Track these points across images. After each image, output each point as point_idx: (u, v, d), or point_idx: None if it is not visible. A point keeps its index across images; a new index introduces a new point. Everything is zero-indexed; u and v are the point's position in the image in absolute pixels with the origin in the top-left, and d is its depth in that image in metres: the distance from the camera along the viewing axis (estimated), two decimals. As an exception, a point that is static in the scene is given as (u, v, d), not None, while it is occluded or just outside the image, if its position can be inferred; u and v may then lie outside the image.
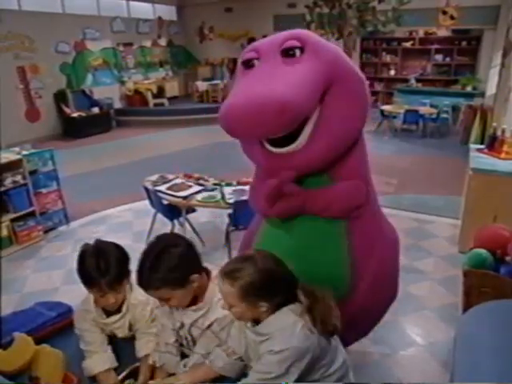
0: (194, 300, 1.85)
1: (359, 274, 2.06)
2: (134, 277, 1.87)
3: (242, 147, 2.01)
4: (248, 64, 1.81)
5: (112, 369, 1.99)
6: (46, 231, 4.76)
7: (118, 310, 2.04)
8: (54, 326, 2.24)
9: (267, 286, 1.57)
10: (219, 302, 1.76)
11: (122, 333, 2.09)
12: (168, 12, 13.94)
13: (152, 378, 1.95)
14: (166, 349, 1.95)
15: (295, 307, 1.61)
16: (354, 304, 2.06)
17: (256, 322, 1.66)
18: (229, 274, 1.59)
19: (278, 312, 1.60)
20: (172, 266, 1.71)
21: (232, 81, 11.75)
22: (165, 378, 1.93)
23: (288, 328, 1.55)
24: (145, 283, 1.74)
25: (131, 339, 2.08)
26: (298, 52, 1.73)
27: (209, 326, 1.83)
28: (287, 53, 1.73)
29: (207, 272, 1.91)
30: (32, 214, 4.55)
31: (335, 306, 1.64)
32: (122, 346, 2.11)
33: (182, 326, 1.92)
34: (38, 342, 1.94)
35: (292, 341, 1.52)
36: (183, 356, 2.00)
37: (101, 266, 1.84)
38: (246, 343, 1.74)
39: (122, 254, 1.95)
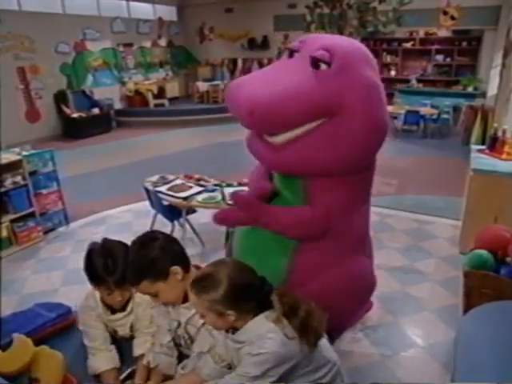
0: (187, 298, 1.85)
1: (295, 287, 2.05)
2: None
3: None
4: (291, 52, 1.93)
5: (116, 368, 2.01)
6: (46, 232, 4.75)
7: (124, 308, 2.05)
8: (54, 327, 2.24)
9: (233, 296, 1.57)
10: None
11: (123, 331, 2.10)
12: (168, 12, 13.94)
13: (148, 379, 1.97)
14: (161, 350, 1.97)
15: (270, 314, 1.61)
16: None
17: (235, 329, 1.66)
18: (196, 284, 1.61)
19: (254, 319, 1.61)
20: (150, 258, 1.75)
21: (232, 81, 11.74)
22: (160, 380, 1.94)
23: (264, 334, 1.56)
24: (128, 279, 1.79)
25: (130, 341, 2.08)
26: (323, 66, 1.75)
27: (203, 324, 1.84)
28: (315, 62, 1.76)
29: (198, 268, 1.93)
30: (32, 215, 4.55)
31: (317, 311, 1.64)
32: (124, 347, 2.11)
33: (179, 324, 1.93)
34: (37, 343, 1.94)
35: (269, 346, 1.53)
36: (181, 357, 2.01)
37: (108, 265, 1.87)
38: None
39: (128, 253, 1.97)
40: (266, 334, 1.56)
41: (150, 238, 1.83)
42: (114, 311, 2.07)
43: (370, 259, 2.43)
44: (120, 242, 1.99)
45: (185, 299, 1.86)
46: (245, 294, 1.59)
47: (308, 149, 1.82)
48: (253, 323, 1.61)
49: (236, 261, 1.70)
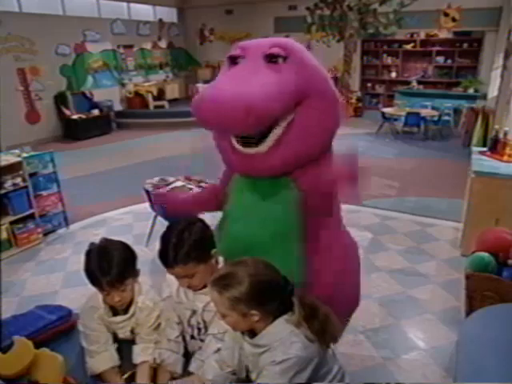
0: (205, 284, 1.86)
1: (312, 279, 2.03)
2: (143, 280, 1.89)
3: (215, 143, 2.09)
4: (233, 60, 1.89)
5: (116, 367, 2.01)
6: (46, 234, 4.75)
7: (126, 311, 2.05)
8: (54, 329, 2.23)
9: (257, 294, 1.54)
10: None
11: (123, 334, 2.10)
12: (168, 14, 13.96)
13: (154, 378, 1.97)
14: (168, 346, 1.97)
15: (290, 317, 1.58)
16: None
17: (252, 333, 1.63)
18: (217, 282, 1.57)
19: (274, 322, 1.58)
20: (196, 239, 1.80)
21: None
22: (167, 379, 1.94)
23: (286, 338, 1.53)
24: (171, 261, 1.79)
25: (133, 342, 2.08)
26: (280, 60, 1.80)
27: None
28: (270, 59, 1.80)
29: (216, 258, 1.96)
30: (31, 217, 4.55)
31: (333, 315, 1.62)
32: (124, 349, 2.11)
33: (194, 313, 1.94)
34: (37, 345, 1.93)
35: (292, 351, 1.51)
36: (187, 355, 2.01)
37: (103, 265, 1.87)
38: (240, 355, 1.72)
39: (127, 253, 1.98)
40: (288, 338, 1.53)
41: (189, 221, 1.88)
42: (115, 313, 2.06)
43: (343, 227, 2.42)
44: (119, 242, 2.00)
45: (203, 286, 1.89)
46: (269, 293, 1.57)
47: (296, 139, 1.83)
48: (273, 327, 1.58)
49: (257, 259, 1.65)
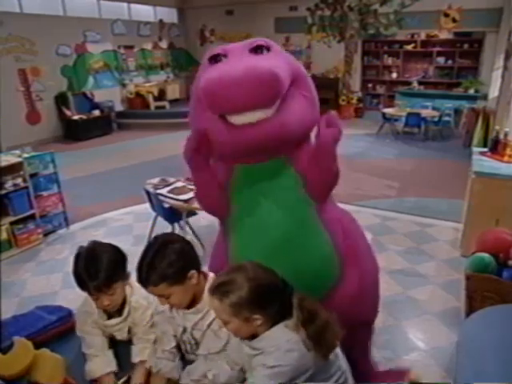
0: (193, 303, 1.86)
1: (342, 256, 2.06)
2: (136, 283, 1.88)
3: (195, 124, 1.99)
4: (215, 59, 1.87)
5: (113, 372, 1.99)
6: (46, 234, 4.76)
7: (120, 313, 2.04)
8: (54, 330, 2.24)
9: (258, 298, 1.53)
10: None
11: (120, 335, 2.10)
12: (169, 14, 13.97)
13: (148, 378, 1.97)
14: (164, 355, 1.96)
15: (290, 322, 1.56)
16: (346, 291, 2.07)
17: (252, 336, 1.62)
18: (217, 289, 1.56)
19: (273, 328, 1.57)
20: (170, 261, 1.73)
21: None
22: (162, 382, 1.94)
23: (283, 345, 1.52)
24: (144, 280, 1.76)
25: (130, 343, 2.08)
26: (264, 51, 1.86)
27: (209, 326, 1.84)
28: (255, 50, 1.85)
29: (204, 275, 1.92)
30: (32, 217, 4.56)
31: (335, 323, 1.59)
32: (122, 350, 2.11)
33: (185, 330, 1.92)
34: (37, 346, 1.93)
35: (287, 358, 1.50)
36: (185, 363, 2.00)
37: (90, 269, 1.85)
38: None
39: (117, 256, 1.96)
40: (284, 346, 1.51)
41: (168, 240, 1.83)
42: (110, 316, 2.05)
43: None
44: (109, 245, 1.98)
45: (191, 304, 1.86)
46: (269, 296, 1.55)
47: (292, 113, 1.83)
48: (272, 332, 1.57)
49: (255, 263, 1.64)
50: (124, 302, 2.03)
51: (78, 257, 1.91)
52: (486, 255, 2.87)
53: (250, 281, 1.53)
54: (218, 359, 1.82)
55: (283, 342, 1.52)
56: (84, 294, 1.96)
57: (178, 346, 2.00)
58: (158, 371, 1.94)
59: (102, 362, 1.99)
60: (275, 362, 1.50)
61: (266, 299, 1.55)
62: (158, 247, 1.77)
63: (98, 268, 1.86)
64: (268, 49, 1.87)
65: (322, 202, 2.02)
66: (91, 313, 2.03)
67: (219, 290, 1.55)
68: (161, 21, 13.59)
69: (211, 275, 1.93)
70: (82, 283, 1.88)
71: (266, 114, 1.75)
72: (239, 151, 1.85)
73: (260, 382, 1.52)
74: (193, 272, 1.79)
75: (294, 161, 1.95)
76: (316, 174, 1.91)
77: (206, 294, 1.83)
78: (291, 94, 1.84)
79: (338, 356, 1.69)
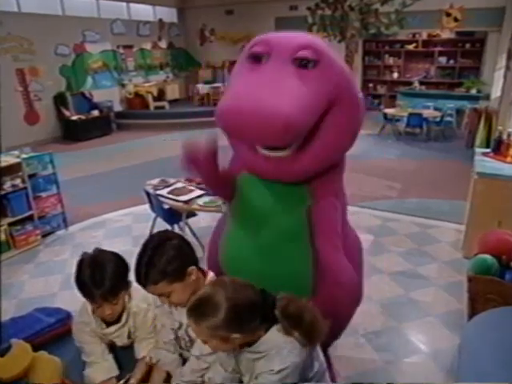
0: None
1: (322, 277, 2.04)
2: (133, 285, 1.88)
3: (231, 143, 2.04)
4: (256, 57, 1.77)
5: (113, 377, 2.00)
6: (44, 235, 4.76)
7: (118, 320, 2.03)
8: (53, 332, 2.24)
9: (235, 318, 1.50)
10: None
11: (120, 341, 2.10)
12: (169, 14, 13.97)
13: (149, 375, 1.99)
14: (164, 346, 1.99)
15: (280, 327, 1.57)
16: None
17: (249, 344, 1.62)
18: (193, 312, 1.54)
19: (269, 331, 1.57)
20: (169, 257, 1.74)
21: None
22: (162, 376, 1.96)
23: (283, 347, 1.53)
24: (143, 279, 1.76)
25: (130, 347, 2.08)
26: (310, 65, 1.71)
27: None
28: (300, 62, 1.70)
29: (203, 272, 1.94)
30: (30, 218, 4.55)
31: (320, 316, 1.60)
32: (122, 354, 2.11)
33: (181, 326, 1.94)
34: (36, 348, 1.93)
35: (289, 359, 1.51)
36: (184, 361, 2.01)
37: (96, 277, 1.83)
38: (235, 359, 1.71)
39: (120, 265, 1.95)
40: (285, 347, 1.53)
41: (165, 237, 1.83)
42: (108, 324, 2.04)
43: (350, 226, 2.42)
44: (112, 253, 1.97)
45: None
46: (247, 314, 1.53)
47: (322, 145, 1.79)
48: (271, 334, 1.57)
49: (233, 279, 1.62)
50: (122, 309, 2.03)
51: (81, 264, 1.89)
52: (488, 257, 2.87)
53: (227, 300, 1.49)
54: (211, 360, 1.82)
55: (281, 343, 1.54)
56: (82, 299, 1.95)
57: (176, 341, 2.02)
58: (158, 362, 1.96)
59: (102, 369, 2.00)
60: (281, 366, 1.51)
61: (243, 318, 1.52)
62: (155, 245, 1.77)
63: (103, 276, 1.84)
64: (316, 62, 1.71)
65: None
66: (88, 322, 2.03)
67: (195, 311, 1.53)
68: (160, 20, 13.59)
69: (211, 274, 1.94)
70: (86, 291, 1.86)
71: (280, 154, 1.74)
72: (259, 174, 1.93)
73: None
74: (192, 268, 1.81)
75: (311, 183, 1.94)
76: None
77: None
78: (322, 125, 1.76)
79: (317, 347, 1.72)
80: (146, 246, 1.79)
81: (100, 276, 1.84)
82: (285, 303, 1.59)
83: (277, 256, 2.00)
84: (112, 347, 2.12)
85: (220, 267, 2.18)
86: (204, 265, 2.10)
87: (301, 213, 1.94)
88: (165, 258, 1.73)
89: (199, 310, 1.52)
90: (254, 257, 1.80)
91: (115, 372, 2.02)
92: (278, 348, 1.53)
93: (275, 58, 1.72)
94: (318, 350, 1.74)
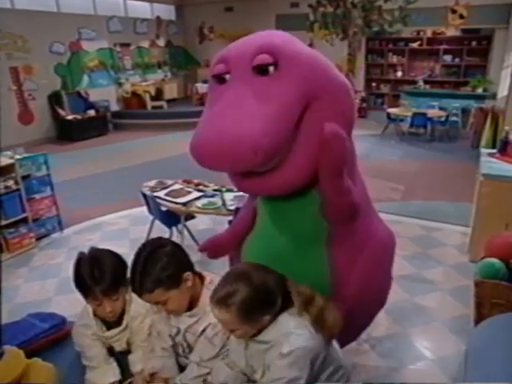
0: (190, 306, 1.89)
1: (341, 282, 2.04)
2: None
3: None
4: (220, 78, 1.76)
5: (117, 381, 2.02)
6: (39, 238, 4.75)
7: (119, 323, 2.04)
8: (47, 338, 2.23)
9: (265, 300, 1.60)
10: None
11: (119, 346, 2.10)
12: (167, 11, 13.98)
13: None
14: (162, 353, 2.00)
15: (293, 310, 1.64)
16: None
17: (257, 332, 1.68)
18: (222, 300, 1.59)
19: (278, 318, 1.63)
20: (163, 265, 1.75)
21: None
22: None
23: (291, 331, 1.58)
24: (138, 288, 1.77)
25: (129, 352, 2.08)
26: (271, 68, 1.65)
27: (202, 332, 1.86)
28: (260, 69, 1.65)
29: (200, 277, 1.95)
30: (24, 221, 4.54)
31: (333, 307, 1.68)
32: (120, 359, 2.11)
33: (178, 331, 1.95)
34: (29, 355, 1.92)
35: (298, 341, 1.55)
36: (179, 367, 2.02)
37: (95, 273, 1.86)
38: (246, 355, 1.75)
39: (118, 261, 1.97)
40: (292, 331, 1.58)
41: (158, 244, 1.84)
42: (109, 327, 2.05)
43: (378, 218, 2.40)
44: (109, 251, 1.99)
45: (187, 308, 1.89)
46: (274, 295, 1.62)
47: (299, 164, 1.71)
48: (279, 321, 1.63)
49: (251, 265, 1.71)
50: (123, 312, 2.04)
51: (79, 262, 1.91)
52: (495, 260, 2.86)
53: (253, 286, 1.58)
54: (211, 366, 1.84)
55: (291, 327, 1.59)
56: (81, 300, 1.95)
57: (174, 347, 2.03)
58: (155, 370, 1.97)
59: (104, 372, 2.01)
60: (290, 347, 1.54)
61: (271, 299, 1.61)
62: (148, 253, 1.78)
63: (103, 270, 1.87)
64: (275, 64, 1.65)
65: (341, 224, 1.96)
66: (90, 325, 2.04)
67: (224, 300, 1.58)
68: (158, 18, 13.60)
69: (208, 278, 1.96)
70: (85, 288, 1.88)
71: (272, 168, 1.70)
72: (250, 193, 2.01)
73: (280, 373, 1.56)
74: (188, 273, 1.82)
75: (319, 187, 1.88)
76: (328, 194, 1.79)
77: (202, 298, 1.88)
78: (302, 127, 1.68)
79: (338, 351, 1.77)
80: (138, 255, 1.80)
81: (99, 271, 1.86)
82: (296, 284, 1.71)
83: (292, 264, 1.99)
84: (110, 352, 2.12)
85: None
86: (206, 268, 2.10)
87: (313, 213, 1.90)
88: (159, 266, 1.74)
89: (227, 298, 1.58)
90: (270, 265, 1.81)
91: (118, 376, 2.03)
92: (286, 333, 1.58)
93: (235, 74, 1.70)
94: (338, 351, 1.77)
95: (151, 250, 1.80)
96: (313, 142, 1.67)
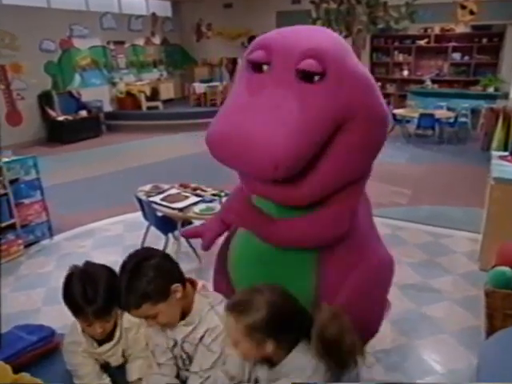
0: (183, 315, 1.88)
1: (327, 293, 2.01)
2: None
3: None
4: (256, 65, 1.69)
5: None
6: (27, 245, 4.73)
7: (110, 338, 2.02)
8: (35, 351, 2.22)
9: (275, 324, 1.57)
10: (208, 313, 1.85)
11: (115, 361, 2.08)
12: (162, 8, 14.03)
13: None
14: (159, 370, 1.98)
15: (309, 347, 1.60)
16: None
17: (268, 360, 1.66)
18: (234, 307, 1.61)
19: (294, 351, 1.61)
20: (148, 279, 1.73)
21: (232, 83, 11.77)
22: None
23: (307, 366, 1.56)
24: (125, 305, 1.77)
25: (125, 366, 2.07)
26: (316, 77, 1.60)
27: (200, 339, 1.86)
28: (304, 74, 1.59)
29: (192, 282, 1.95)
30: (12, 227, 4.52)
31: (359, 339, 1.62)
32: (117, 375, 2.09)
33: (176, 343, 1.94)
34: (16, 370, 1.91)
35: (314, 378, 1.54)
36: (180, 382, 2.01)
37: (88, 293, 1.81)
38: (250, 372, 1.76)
39: (113, 280, 1.90)
40: (308, 366, 1.56)
41: (143, 256, 1.81)
42: (100, 343, 2.03)
43: (379, 241, 2.39)
44: (104, 267, 1.95)
45: (180, 317, 1.88)
46: (287, 323, 1.59)
47: (332, 167, 1.72)
48: (294, 355, 1.61)
49: (274, 287, 1.67)
50: (115, 325, 2.01)
51: (70, 277, 1.87)
52: (507, 269, 2.85)
53: (268, 304, 1.57)
54: (211, 375, 1.84)
55: (306, 362, 1.57)
56: (68, 315, 1.93)
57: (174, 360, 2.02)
58: None
59: None
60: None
61: (282, 325, 1.59)
62: (132, 267, 1.76)
63: (96, 292, 1.82)
64: (322, 74, 1.59)
65: (331, 245, 1.98)
66: (80, 342, 2.01)
67: (237, 308, 1.60)
68: (154, 14, 13.64)
69: (200, 283, 1.96)
70: (77, 308, 1.84)
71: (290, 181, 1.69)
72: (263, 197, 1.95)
73: None
74: (176, 285, 1.80)
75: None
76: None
77: (196, 304, 1.88)
78: (331, 145, 1.67)
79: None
80: (123, 268, 1.78)
81: (92, 292, 1.81)
82: (324, 324, 1.57)
83: (278, 261, 2.02)
84: (106, 368, 2.10)
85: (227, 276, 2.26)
86: (203, 276, 2.09)
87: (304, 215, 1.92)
88: (144, 280, 1.72)
89: (241, 307, 1.59)
90: (256, 263, 1.81)
91: None
92: (301, 370, 1.57)
93: (275, 70, 1.63)
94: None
95: (135, 263, 1.77)
96: (336, 163, 1.70)
